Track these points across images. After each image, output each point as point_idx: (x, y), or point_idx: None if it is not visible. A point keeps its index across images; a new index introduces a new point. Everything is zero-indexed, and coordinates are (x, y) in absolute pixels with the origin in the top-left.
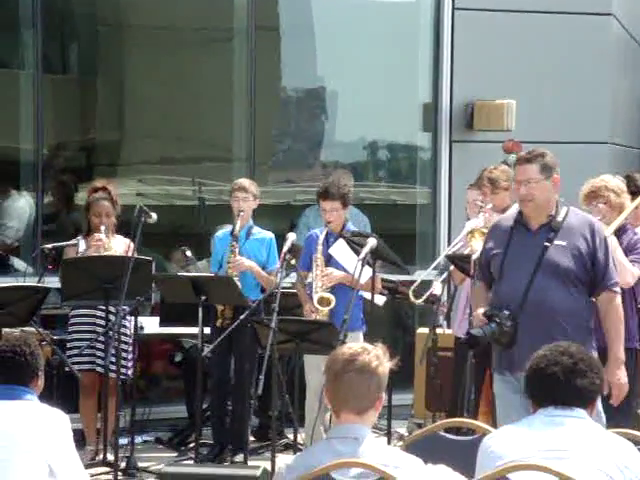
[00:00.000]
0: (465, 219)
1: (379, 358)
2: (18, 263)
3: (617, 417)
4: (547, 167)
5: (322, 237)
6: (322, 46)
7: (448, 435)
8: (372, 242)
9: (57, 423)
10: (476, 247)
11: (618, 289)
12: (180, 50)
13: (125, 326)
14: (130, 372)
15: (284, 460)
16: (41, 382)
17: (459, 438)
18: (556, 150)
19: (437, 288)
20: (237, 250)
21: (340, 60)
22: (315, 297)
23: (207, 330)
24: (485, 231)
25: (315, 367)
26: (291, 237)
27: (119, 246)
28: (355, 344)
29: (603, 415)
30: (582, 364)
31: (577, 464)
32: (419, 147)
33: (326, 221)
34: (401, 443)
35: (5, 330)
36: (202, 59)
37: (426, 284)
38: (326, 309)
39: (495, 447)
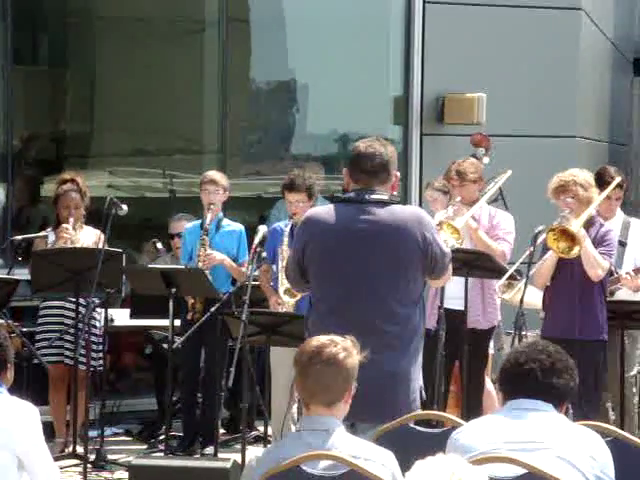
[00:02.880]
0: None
1: (347, 350)
2: None
3: (585, 409)
4: None
5: (287, 230)
6: (293, 38)
7: (418, 427)
8: (262, 230)
9: (26, 416)
10: (444, 238)
11: None
12: (151, 42)
13: (95, 318)
14: (100, 364)
15: (254, 452)
16: (10, 374)
17: (429, 430)
18: (525, 144)
19: None
20: (208, 243)
21: (311, 52)
22: (281, 289)
23: (177, 322)
24: (453, 223)
25: (282, 360)
26: (262, 230)
27: (89, 238)
28: (323, 337)
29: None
30: (559, 364)
31: (544, 456)
32: (390, 140)
33: (291, 213)
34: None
35: None
36: (173, 51)
37: None
38: (292, 300)
39: (463, 440)
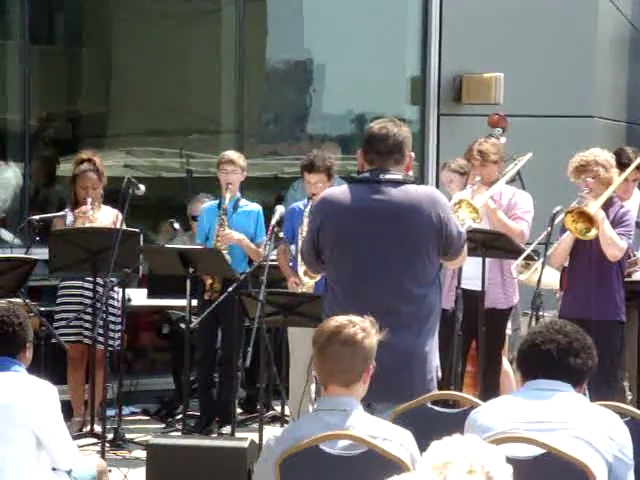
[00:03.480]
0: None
1: (365, 330)
2: (5, 234)
3: (603, 389)
4: None
5: (307, 210)
6: (310, 18)
7: (436, 407)
8: (280, 210)
9: (45, 395)
10: (462, 217)
11: None
12: (168, 21)
13: (113, 298)
14: (118, 344)
15: (271, 432)
16: (29, 354)
17: (447, 410)
18: (543, 124)
19: None
20: (225, 223)
21: (328, 32)
22: (300, 269)
23: (195, 302)
24: (472, 202)
25: (301, 340)
26: (279, 210)
27: (106, 217)
28: (342, 317)
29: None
30: (577, 344)
31: (563, 436)
32: (407, 120)
33: (310, 194)
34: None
35: None
36: (190, 30)
37: None
38: (311, 281)
39: (482, 420)
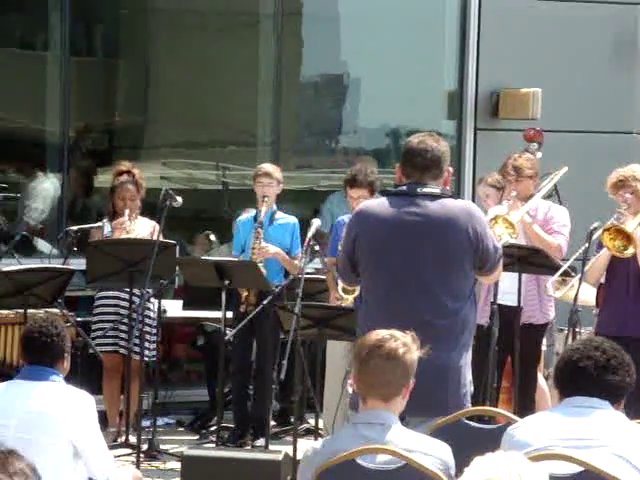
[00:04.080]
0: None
1: (407, 345)
2: (43, 245)
3: (636, 405)
4: None
5: None
6: (346, 31)
7: (472, 423)
8: (316, 223)
9: (83, 404)
10: (498, 232)
11: None
12: (205, 34)
13: (149, 309)
14: (153, 355)
15: (305, 445)
16: (67, 364)
17: (483, 426)
18: (582, 139)
19: None
20: (262, 236)
21: (364, 46)
22: (340, 286)
23: (230, 314)
24: (508, 218)
25: (335, 353)
26: (316, 223)
27: (144, 229)
28: (384, 331)
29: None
30: (614, 361)
31: (601, 453)
32: (443, 135)
33: (353, 208)
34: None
35: (30, 311)
36: (227, 43)
37: None
38: (351, 297)
39: (519, 436)
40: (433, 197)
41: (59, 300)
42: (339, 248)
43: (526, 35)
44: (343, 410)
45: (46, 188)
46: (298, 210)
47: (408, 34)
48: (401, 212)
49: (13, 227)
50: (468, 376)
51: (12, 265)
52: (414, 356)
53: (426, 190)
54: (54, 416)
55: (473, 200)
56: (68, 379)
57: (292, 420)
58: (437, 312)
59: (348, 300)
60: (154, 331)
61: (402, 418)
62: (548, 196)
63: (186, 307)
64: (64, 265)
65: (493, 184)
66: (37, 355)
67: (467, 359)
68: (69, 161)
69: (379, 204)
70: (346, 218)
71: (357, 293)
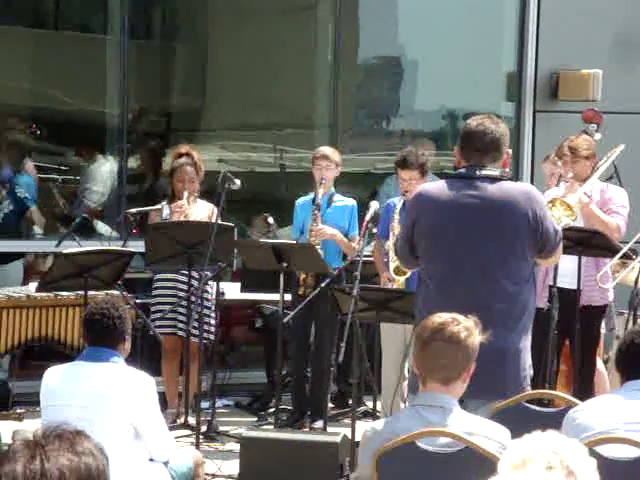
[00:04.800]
0: (545, 191)
1: (469, 329)
2: (103, 227)
3: None
4: None
5: (399, 206)
6: (404, 13)
7: (532, 406)
8: (374, 206)
9: (143, 386)
10: (557, 215)
11: None
12: (263, 16)
13: (207, 291)
14: (212, 337)
15: (364, 427)
16: (128, 345)
17: (543, 409)
18: None
19: None
20: (319, 218)
21: (422, 28)
22: (391, 266)
23: (287, 297)
24: (566, 200)
25: (392, 336)
26: (374, 205)
27: (202, 212)
28: (446, 314)
29: None
30: None
31: None
32: (502, 117)
33: (403, 190)
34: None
35: (90, 293)
36: (285, 26)
37: None
38: (402, 278)
39: (581, 419)
40: (492, 180)
41: (119, 282)
42: (395, 231)
43: (586, 16)
44: (400, 392)
45: (106, 170)
46: (355, 193)
47: (466, 15)
48: (460, 195)
49: (73, 210)
50: (528, 360)
51: (72, 247)
52: (476, 340)
53: (485, 173)
54: (115, 397)
55: (532, 182)
56: (129, 361)
57: (350, 402)
58: (496, 295)
59: (399, 281)
60: (212, 314)
61: (461, 401)
62: (609, 177)
63: (244, 289)
64: (123, 247)
65: (555, 161)
66: (99, 337)
67: (526, 343)
68: (128, 143)
69: (438, 187)
70: (396, 200)
71: (409, 274)
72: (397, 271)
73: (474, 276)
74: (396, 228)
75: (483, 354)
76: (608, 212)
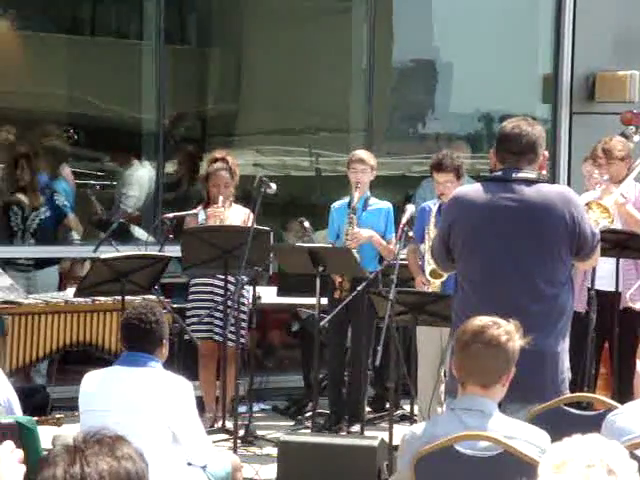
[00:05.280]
0: (584, 192)
1: (509, 333)
2: (139, 232)
3: None
4: None
5: (435, 209)
6: (439, 16)
7: (571, 409)
8: (410, 209)
9: (181, 390)
10: (594, 218)
11: None
12: (297, 20)
13: (244, 296)
14: (248, 341)
15: (401, 431)
16: (166, 350)
17: (583, 413)
18: None
19: None
20: (355, 222)
21: (457, 30)
22: (427, 269)
23: (324, 301)
24: (602, 203)
25: (429, 339)
26: (410, 209)
27: (237, 216)
28: (486, 317)
29: None
30: None
31: None
32: (538, 119)
33: (439, 193)
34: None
35: (127, 298)
36: (319, 29)
37: None
38: (437, 282)
39: (621, 423)
40: (529, 182)
41: (156, 287)
42: (431, 234)
43: (622, 17)
44: (437, 396)
45: (142, 175)
46: (390, 196)
47: (502, 17)
48: (497, 197)
49: (110, 215)
50: (566, 363)
51: (110, 252)
52: (516, 345)
53: (521, 175)
54: (153, 402)
55: (569, 184)
56: (166, 365)
57: (387, 406)
58: (534, 298)
59: (435, 284)
60: (246, 318)
61: (499, 405)
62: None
63: (280, 293)
64: (160, 252)
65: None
66: (137, 342)
67: (565, 346)
68: (164, 149)
69: (475, 190)
70: (431, 204)
71: (445, 277)
72: (433, 274)
73: (511, 279)
74: (432, 231)
75: (521, 357)
76: None
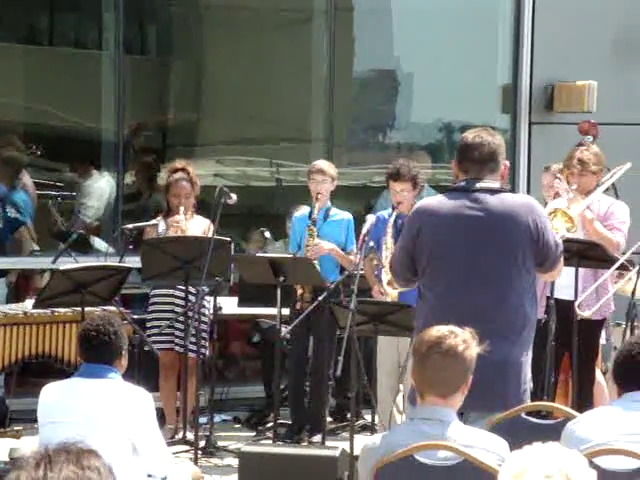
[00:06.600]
0: (542, 202)
1: (466, 342)
2: (99, 243)
3: None
4: None
5: (392, 220)
6: (399, 26)
7: (531, 418)
8: (370, 219)
9: (140, 401)
10: (556, 226)
11: None
12: (258, 31)
13: (204, 306)
14: (209, 352)
15: (362, 441)
16: (125, 361)
17: (542, 422)
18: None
19: None
20: (315, 234)
21: (417, 41)
22: (384, 279)
23: (285, 311)
24: (567, 212)
25: (387, 349)
26: (370, 219)
27: (198, 227)
28: (443, 327)
29: None
30: None
31: None
32: (498, 129)
33: (395, 202)
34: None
35: (87, 309)
36: (279, 40)
37: None
38: (395, 292)
39: (579, 431)
40: (492, 192)
41: (116, 298)
42: (387, 244)
43: (581, 27)
44: (396, 406)
45: (101, 186)
46: (351, 206)
47: (461, 28)
48: (461, 208)
49: (69, 226)
50: (528, 373)
51: (69, 263)
52: (473, 353)
53: (485, 185)
54: (113, 413)
55: (528, 194)
56: (125, 377)
57: (348, 416)
58: (498, 307)
59: (392, 295)
60: (209, 329)
61: (460, 413)
62: (605, 190)
63: (241, 304)
64: (120, 263)
65: (555, 173)
66: (95, 353)
67: (528, 357)
68: (124, 159)
69: (438, 201)
70: (385, 214)
71: (404, 289)
72: (391, 284)
73: (476, 288)
74: (389, 242)
75: (485, 366)
76: (609, 227)
